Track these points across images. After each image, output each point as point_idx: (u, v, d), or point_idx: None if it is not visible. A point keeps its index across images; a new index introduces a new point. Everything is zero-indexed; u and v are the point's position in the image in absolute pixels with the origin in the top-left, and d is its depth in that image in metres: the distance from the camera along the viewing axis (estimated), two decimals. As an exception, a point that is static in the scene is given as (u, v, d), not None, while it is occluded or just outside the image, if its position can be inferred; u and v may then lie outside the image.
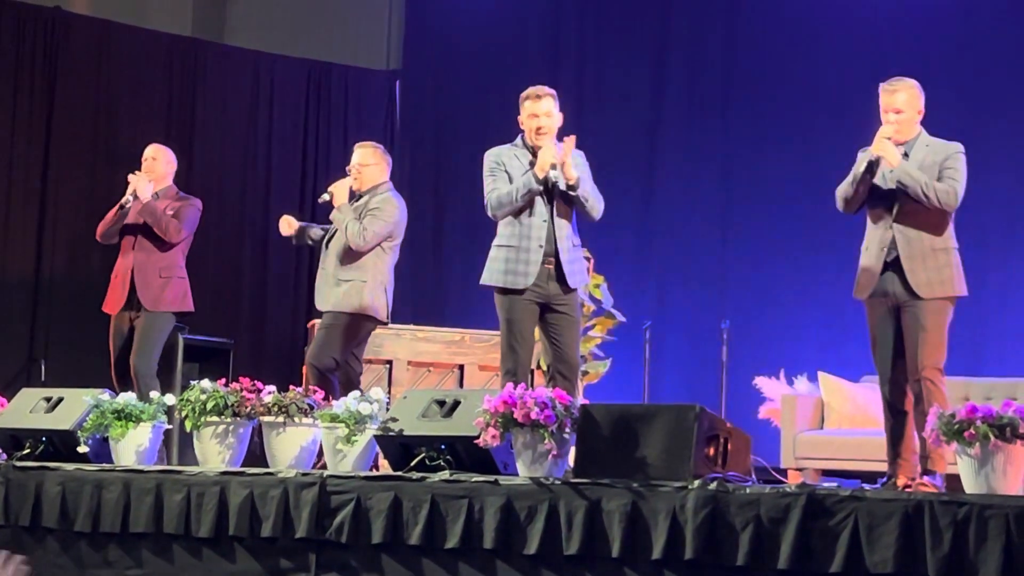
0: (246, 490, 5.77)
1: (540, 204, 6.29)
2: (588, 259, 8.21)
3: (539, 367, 6.44)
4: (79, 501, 6.10)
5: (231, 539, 5.80)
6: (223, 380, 6.28)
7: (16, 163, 10.49)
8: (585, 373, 8.85)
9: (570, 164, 6.23)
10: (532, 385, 5.90)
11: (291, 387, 6.20)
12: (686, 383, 10.14)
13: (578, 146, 6.34)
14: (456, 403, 5.75)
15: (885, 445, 5.97)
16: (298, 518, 5.63)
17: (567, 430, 5.34)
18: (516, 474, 5.43)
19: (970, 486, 4.84)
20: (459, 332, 9.04)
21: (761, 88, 10.40)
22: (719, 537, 4.90)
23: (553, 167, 6.23)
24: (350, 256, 7.10)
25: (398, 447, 5.74)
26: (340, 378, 7.03)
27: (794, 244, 10.09)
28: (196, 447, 6.26)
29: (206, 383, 6.22)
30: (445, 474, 5.46)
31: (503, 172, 6.34)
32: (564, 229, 6.33)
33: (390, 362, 8.89)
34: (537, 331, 6.39)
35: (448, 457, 5.58)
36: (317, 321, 7.50)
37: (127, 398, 6.45)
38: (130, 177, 7.67)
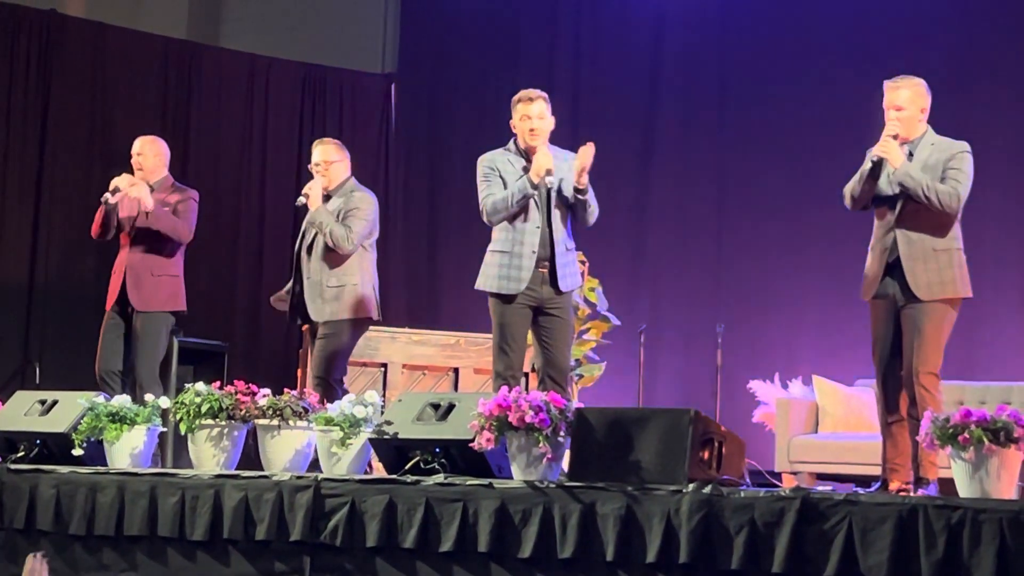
0: (241, 493, 5.77)
1: (534, 210, 6.30)
2: (583, 263, 8.22)
3: (533, 370, 6.46)
4: (73, 504, 6.10)
5: (225, 542, 5.80)
6: (218, 383, 6.27)
7: (11, 165, 10.47)
8: (580, 376, 8.86)
9: (586, 170, 6.25)
10: (527, 389, 5.92)
11: (286, 390, 6.20)
12: (681, 387, 10.15)
13: (573, 149, 6.35)
14: (451, 406, 5.75)
15: (880, 449, 5.96)
16: (293, 521, 5.63)
17: (562, 433, 5.34)
18: (511, 477, 5.44)
19: (964, 490, 4.84)
20: (454, 335, 9.04)
21: (756, 92, 10.41)
22: (713, 541, 4.91)
23: (549, 172, 6.24)
24: (336, 260, 7.04)
25: (393, 450, 5.74)
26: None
27: (789, 248, 10.09)
28: (191, 450, 6.26)
29: (201, 386, 6.22)
30: (440, 477, 5.47)
31: (497, 177, 6.35)
32: (560, 233, 6.34)
33: (385, 365, 8.90)
34: (530, 335, 6.41)
35: (443, 460, 5.59)
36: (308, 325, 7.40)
37: (122, 401, 6.45)
38: (117, 182, 7.54)
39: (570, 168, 6.34)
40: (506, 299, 6.29)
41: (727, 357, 9.11)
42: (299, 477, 5.74)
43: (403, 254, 11.45)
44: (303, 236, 7.19)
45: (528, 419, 5.24)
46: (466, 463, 5.55)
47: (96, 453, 6.41)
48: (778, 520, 4.81)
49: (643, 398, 9.41)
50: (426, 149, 11.73)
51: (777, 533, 4.81)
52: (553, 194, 6.33)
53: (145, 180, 7.61)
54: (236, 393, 6.15)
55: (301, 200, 7.17)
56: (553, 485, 5.23)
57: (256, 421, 6.11)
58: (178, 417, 6.20)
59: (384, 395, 8.26)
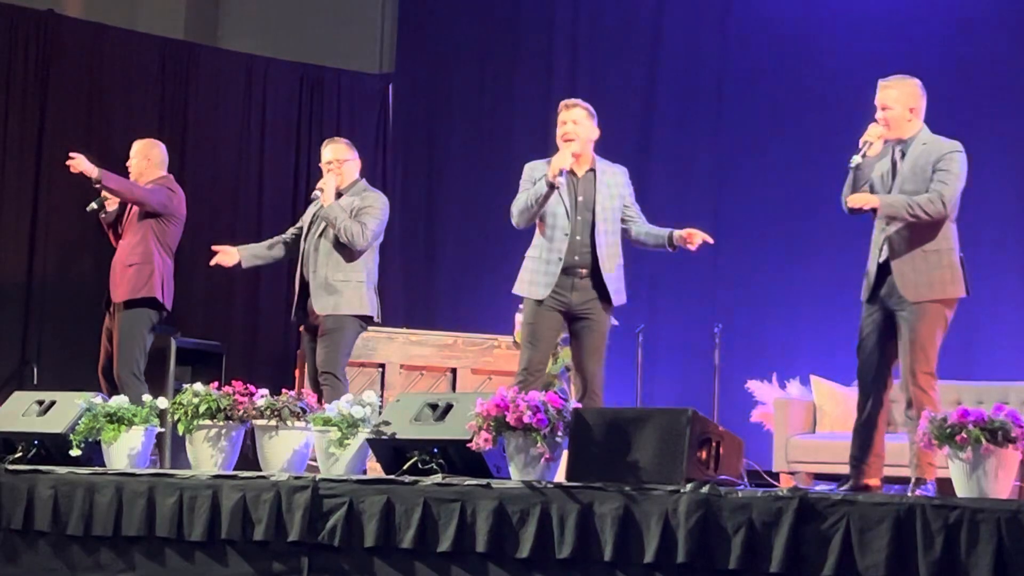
0: (238, 493, 5.77)
1: (563, 217, 6.35)
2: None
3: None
4: (71, 504, 6.10)
5: (223, 542, 5.80)
6: (216, 383, 6.28)
7: (8, 165, 10.46)
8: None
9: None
10: (571, 387, 5.98)
11: (284, 390, 6.20)
12: (678, 387, 10.14)
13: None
14: (449, 407, 5.76)
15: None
16: (291, 521, 5.64)
17: (559, 434, 5.34)
18: (508, 478, 5.44)
19: (961, 490, 4.84)
20: (452, 336, 9.04)
21: (754, 92, 10.41)
22: (711, 541, 4.91)
23: (561, 172, 6.26)
24: (347, 255, 7.05)
25: (391, 450, 5.75)
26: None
27: (787, 248, 10.09)
28: (188, 450, 6.26)
29: (198, 386, 6.22)
30: (437, 478, 5.47)
31: (531, 184, 6.42)
32: (603, 245, 6.39)
33: (383, 365, 8.90)
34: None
35: (440, 461, 5.59)
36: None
37: (119, 401, 6.45)
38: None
39: (623, 184, 6.50)
40: (537, 301, 6.38)
41: (725, 357, 9.11)
42: (297, 477, 5.74)
43: (400, 254, 11.43)
44: (309, 230, 7.18)
45: (526, 419, 5.25)
46: (464, 463, 5.56)
47: (94, 454, 6.42)
48: (776, 520, 4.81)
49: (641, 398, 9.41)
50: (423, 149, 11.71)
51: (775, 533, 4.81)
52: (592, 204, 6.37)
53: (136, 180, 7.67)
54: (234, 394, 6.15)
55: (316, 194, 7.18)
56: (551, 485, 5.23)
57: (254, 421, 6.11)
58: (176, 418, 6.20)
59: (382, 395, 8.29)
